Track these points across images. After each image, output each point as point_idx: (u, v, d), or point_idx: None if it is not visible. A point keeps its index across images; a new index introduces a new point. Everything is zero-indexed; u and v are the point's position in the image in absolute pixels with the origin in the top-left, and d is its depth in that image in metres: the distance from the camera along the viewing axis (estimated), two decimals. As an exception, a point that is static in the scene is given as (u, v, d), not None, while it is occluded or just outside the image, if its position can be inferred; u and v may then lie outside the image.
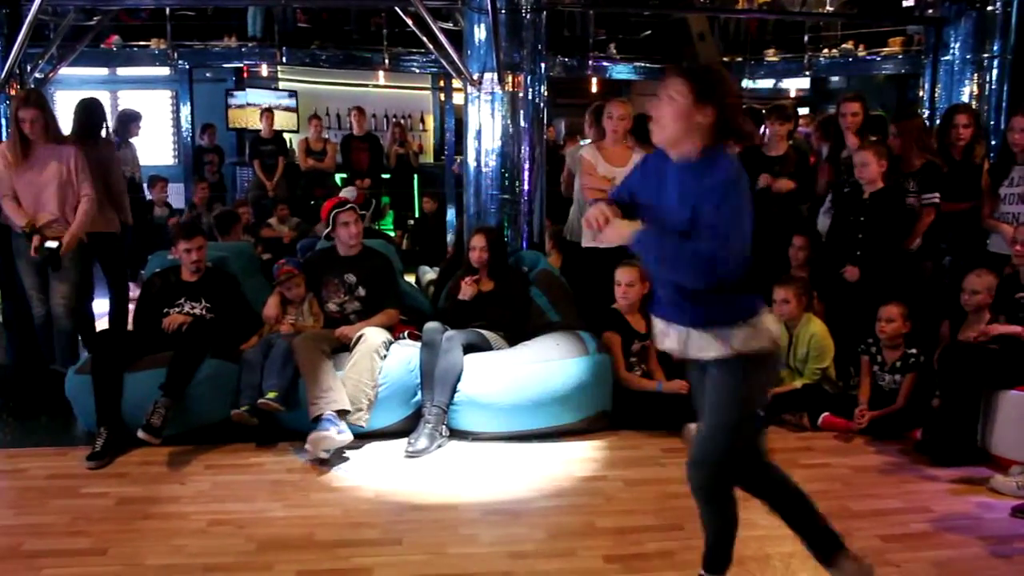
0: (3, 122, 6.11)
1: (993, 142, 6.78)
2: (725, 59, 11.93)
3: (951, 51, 7.29)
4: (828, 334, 5.18)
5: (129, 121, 9.02)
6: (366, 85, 12.91)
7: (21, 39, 5.83)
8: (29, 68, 6.45)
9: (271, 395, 4.52)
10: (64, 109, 12.29)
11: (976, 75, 7.15)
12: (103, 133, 6.28)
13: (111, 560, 3.49)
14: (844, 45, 10.78)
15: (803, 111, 11.85)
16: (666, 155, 2.82)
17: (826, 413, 4.97)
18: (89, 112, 6.10)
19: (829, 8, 8.46)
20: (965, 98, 7.12)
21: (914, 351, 4.97)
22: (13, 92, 6.09)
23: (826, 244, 5.68)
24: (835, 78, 13.01)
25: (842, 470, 4.44)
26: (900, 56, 10.09)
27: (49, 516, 3.88)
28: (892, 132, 5.54)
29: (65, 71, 7.63)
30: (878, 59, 10.42)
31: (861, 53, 10.55)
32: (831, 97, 12.99)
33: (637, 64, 12.18)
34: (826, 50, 11.03)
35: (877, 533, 3.70)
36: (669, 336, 2.89)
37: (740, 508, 3.91)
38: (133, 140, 9.07)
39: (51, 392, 5.08)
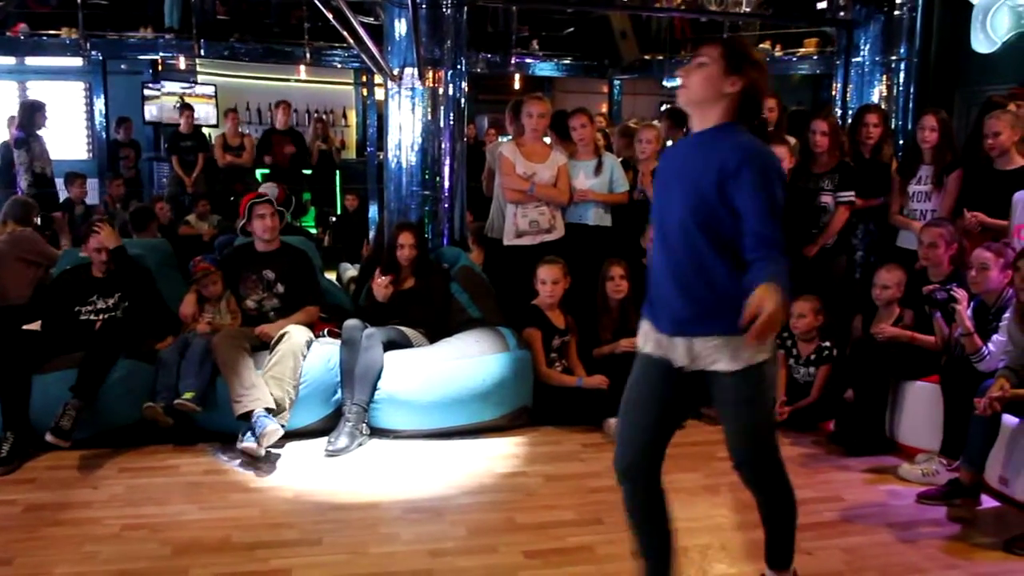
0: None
1: (901, 141, 7.00)
2: (646, 57, 12.09)
3: (861, 53, 7.49)
4: (745, 328, 5.28)
5: (35, 111, 8.63)
6: (287, 80, 12.72)
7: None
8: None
9: (188, 395, 4.43)
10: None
11: (885, 76, 7.36)
12: None
13: (17, 570, 3.37)
14: (762, 45, 10.99)
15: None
16: (672, 154, 2.91)
17: (742, 406, 5.07)
18: None
19: (746, 8, 8.61)
20: (875, 99, 7.32)
21: (828, 344, 5.10)
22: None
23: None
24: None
25: (758, 462, 4.53)
26: (815, 57, 10.34)
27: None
28: (820, 129, 5.64)
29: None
30: (794, 59, 10.66)
31: (778, 53, 10.78)
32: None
33: (559, 61, 12.25)
34: (744, 50, 11.24)
35: (792, 522, 3.78)
36: (676, 349, 2.77)
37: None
38: (41, 133, 8.76)
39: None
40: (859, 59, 7.51)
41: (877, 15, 7.35)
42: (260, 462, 4.36)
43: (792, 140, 5.94)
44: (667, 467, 4.34)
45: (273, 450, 4.47)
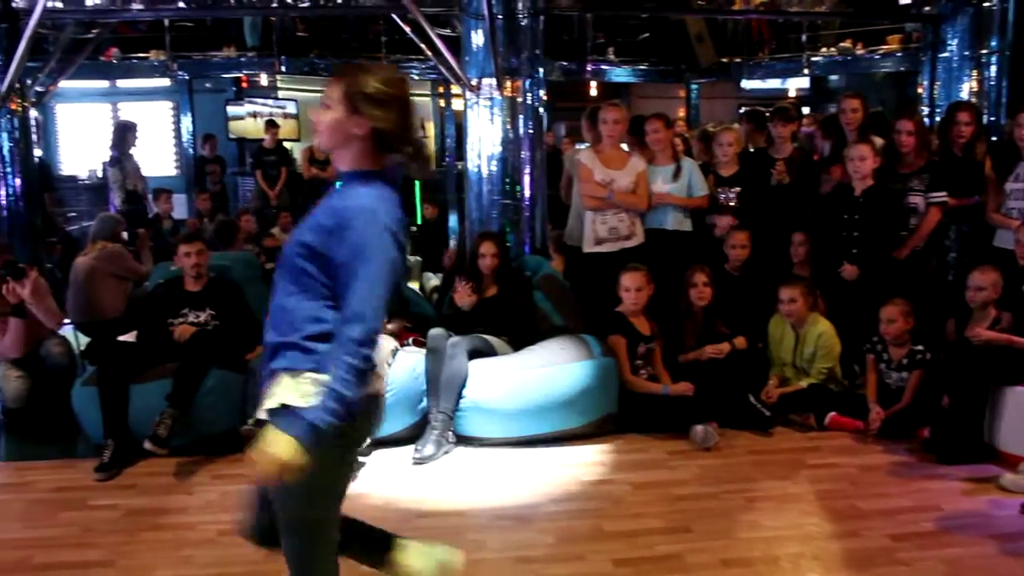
0: (4, 136, 6.11)
1: (994, 138, 6.77)
2: (723, 60, 11.95)
3: (949, 48, 7.28)
4: (835, 333, 5.18)
5: (126, 131, 9.00)
6: (366, 92, 12.89)
7: (21, 53, 5.85)
8: (29, 82, 6.46)
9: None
10: (64, 123, 12.40)
11: (975, 71, 7.13)
12: None
13: (120, 572, 3.49)
14: (842, 44, 10.77)
15: (804, 111, 11.84)
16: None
17: (832, 412, 4.97)
18: None
19: (826, 7, 8.44)
20: (964, 95, 7.11)
21: (920, 348, 4.96)
22: (14, 106, 6.11)
23: (821, 243, 5.67)
24: (834, 77, 13.02)
25: (850, 469, 4.43)
26: (898, 54, 10.08)
27: (58, 529, 3.88)
28: (905, 129, 5.50)
29: (65, 84, 7.63)
30: (876, 57, 10.41)
31: (859, 51, 10.54)
32: (831, 96, 13.00)
33: (635, 67, 12.19)
34: (824, 49, 11.04)
35: (887, 532, 3.69)
36: None
37: (744, 511, 3.94)
38: (132, 152, 9.08)
39: (57, 405, 5.08)
40: (947, 54, 7.31)
41: (965, 8, 7.14)
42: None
43: (878, 140, 5.80)
44: (756, 475, 4.33)
45: (360, 458, 4.52)
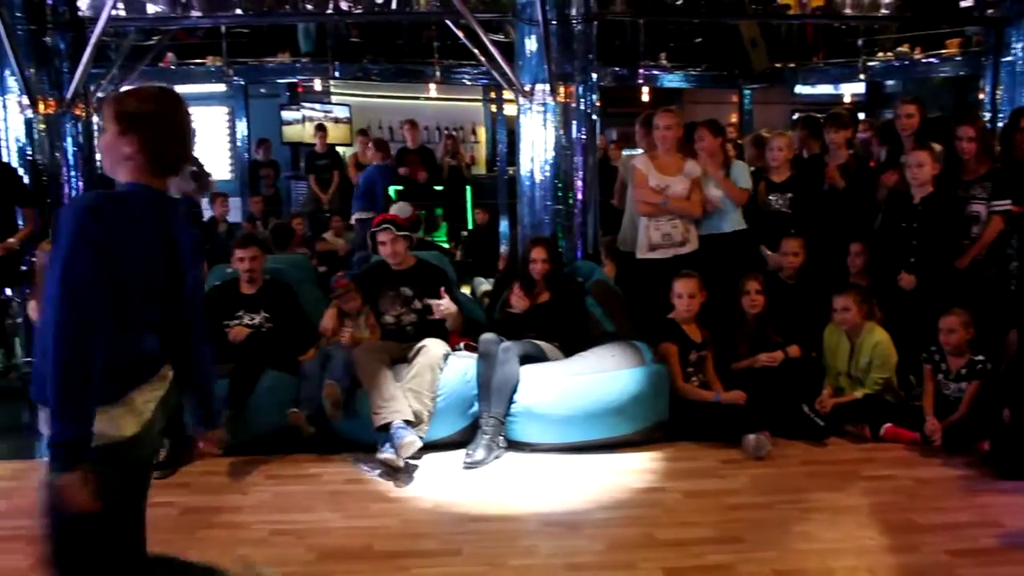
0: (69, 141, 6.26)
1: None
2: (776, 66, 11.83)
3: (1013, 51, 7.13)
4: (891, 343, 5.09)
5: None
6: (418, 98, 13.01)
7: (86, 60, 6.00)
8: (93, 88, 6.61)
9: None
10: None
11: (1040, 76, 6.99)
12: None
13: (176, 569, 3.54)
14: (900, 48, 10.60)
15: (859, 116, 11.67)
16: None
17: (888, 423, 4.88)
18: None
19: (884, 11, 8.29)
20: (1029, 100, 6.96)
21: (981, 358, 4.85)
22: (78, 112, 6.26)
23: (879, 251, 5.58)
24: (890, 82, 12.82)
25: (907, 482, 4.35)
26: (958, 58, 9.89)
27: (116, 526, 3.95)
28: (966, 135, 5.40)
29: (125, 90, 7.81)
30: (935, 61, 10.23)
31: (917, 56, 10.36)
32: (887, 102, 12.80)
33: (688, 72, 12.11)
34: (881, 53, 10.87)
35: (945, 548, 3.61)
36: None
37: (797, 522, 3.89)
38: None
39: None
40: (1010, 58, 7.15)
41: (1031, 10, 7.00)
42: (399, 473, 4.44)
43: (937, 147, 5.69)
44: (809, 485, 4.27)
45: (411, 461, 4.54)
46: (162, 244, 2.41)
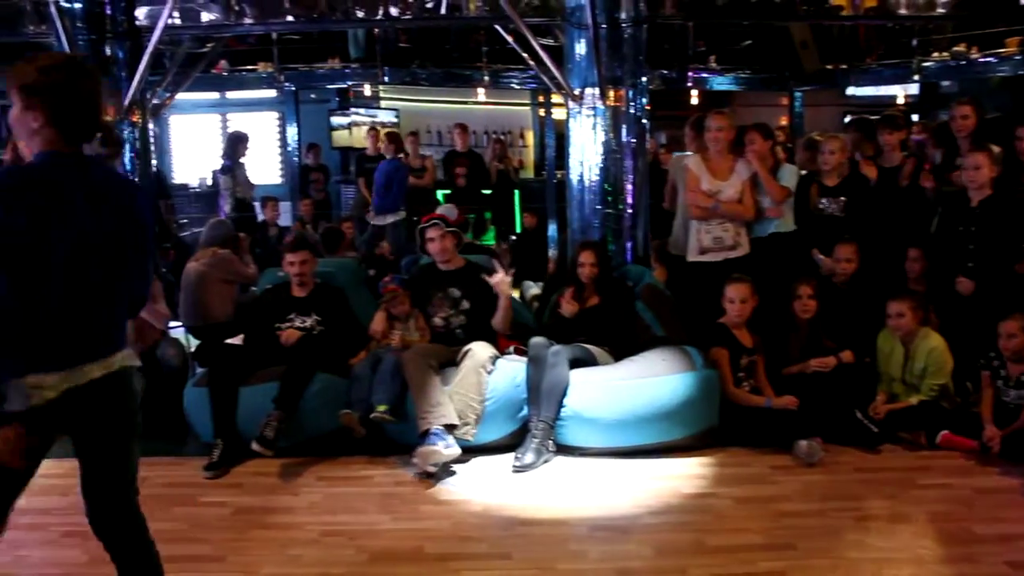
0: (127, 147, 6.39)
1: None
2: (828, 67, 11.67)
3: (1073, 51, 6.96)
4: (947, 348, 5.00)
5: (238, 142, 9.37)
6: (466, 102, 13.06)
7: (143, 68, 6.13)
8: (149, 95, 6.75)
9: (382, 408, 4.60)
10: (176, 133, 12.91)
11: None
12: None
13: (229, 567, 3.61)
14: (956, 48, 10.39)
15: (913, 118, 11.47)
16: None
17: (945, 431, 4.78)
18: None
19: (940, 10, 8.12)
20: (1091, 100, 6.79)
21: (1041, 364, 4.75)
22: (135, 119, 6.39)
23: (935, 255, 5.48)
24: (946, 82, 12.57)
25: (964, 491, 4.25)
26: (1017, 57, 9.66)
27: (170, 523, 4.01)
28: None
29: (178, 96, 7.95)
30: (993, 61, 10.00)
31: (974, 55, 10.15)
32: (942, 103, 12.55)
33: (737, 75, 12.00)
34: (936, 53, 10.67)
35: (1005, 559, 3.53)
36: None
37: (850, 530, 3.83)
38: (243, 161, 9.40)
39: (170, 405, 5.27)
40: (1072, 58, 6.98)
41: (1094, 7, 6.82)
42: (442, 476, 4.47)
43: (996, 149, 5.57)
44: (863, 493, 4.21)
45: (460, 465, 4.57)
46: (88, 212, 2.39)
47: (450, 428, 4.52)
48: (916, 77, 10.99)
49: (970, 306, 5.18)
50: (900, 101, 13.61)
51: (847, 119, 11.68)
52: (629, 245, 6.11)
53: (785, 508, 4.08)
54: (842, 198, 5.78)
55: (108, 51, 6.32)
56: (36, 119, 2.37)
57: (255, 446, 4.54)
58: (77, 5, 6.19)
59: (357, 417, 4.63)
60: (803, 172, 6.08)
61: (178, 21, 6.75)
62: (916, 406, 4.92)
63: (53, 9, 5.96)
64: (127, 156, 6.38)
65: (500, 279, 5.06)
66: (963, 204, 5.27)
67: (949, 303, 5.30)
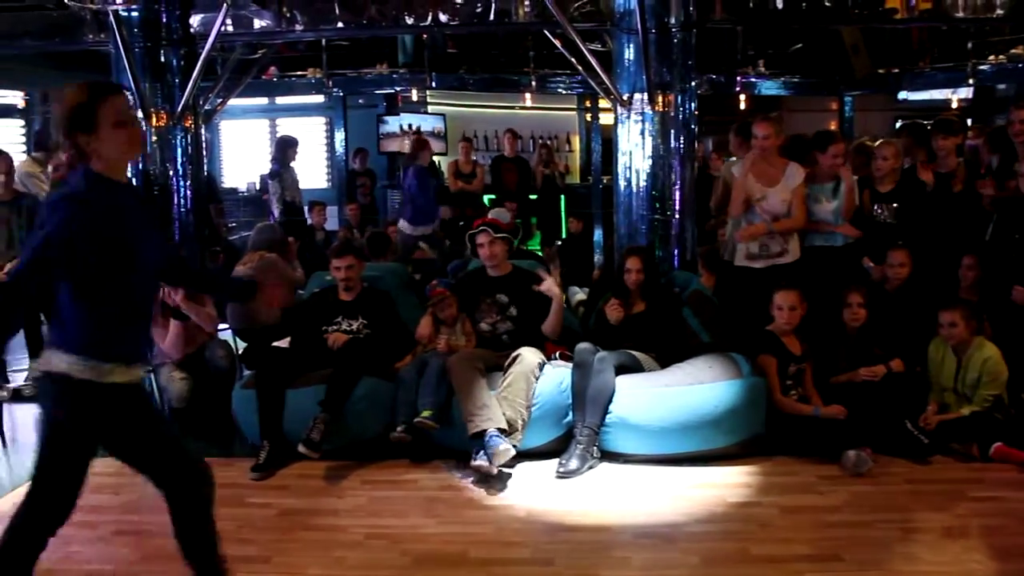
0: (179, 152, 6.51)
1: None
2: (879, 71, 11.50)
3: None
4: (1002, 358, 4.90)
5: (287, 147, 9.51)
6: (513, 107, 13.09)
7: (196, 75, 6.26)
8: (201, 101, 6.86)
9: (426, 413, 4.62)
10: (227, 138, 13.12)
11: None
12: None
13: (275, 568, 3.65)
14: (1013, 50, 10.16)
15: (967, 122, 11.24)
16: None
17: (998, 443, 4.68)
18: None
19: (999, 12, 7.94)
20: None
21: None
22: (188, 124, 6.50)
23: (990, 263, 5.37)
24: (1002, 86, 12.31)
25: (1018, 505, 4.16)
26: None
27: (218, 523, 4.03)
28: None
29: (230, 102, 8.08)
30: (1052, 65, 9.79)
31: (1033, 59, 9.94)
32: (998, 107, 12.29)
33: (787, 79, 11.88)
34: (992, 57, 10.45)
35: (1062, 574, 3.46)
36: None
37: (899, 542, 3.75)
38: (292, 165, 9.52)
39: (218, 406, 5.34)
40: None
41: None
42: (492, 480, 4.47)
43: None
44: (913, 505, 4.13)
45: (505, 469, 4.57)
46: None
47: (500, 432, 4.52)
48: (971, 81, 10.77)
49: (1025, 316, 5.08)
50: (954, 106, 13.36)
51: (898, 124, 11.50)
52: (676, 251, 6.07)
53: (832, 519, 4.03)
54: (895, 204, 5.69)
55: (163, 57, 6.45)
56: (88, 144, 2.67)
57: (301, 448, 4.59)
58: (134, 13, 6.32)
59: (402, 431, 4.64)
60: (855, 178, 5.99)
61: (231, 28, 6.85)
62: (968, 417, 4.83)
63: (111, 17, 6.09)
64: (179, 161, 6.50)
65: (549, 285, 5.06)
66: (1020, 211, 5.17)
67: (1004, 312, 5.19)
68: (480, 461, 4.45)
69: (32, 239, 2.58)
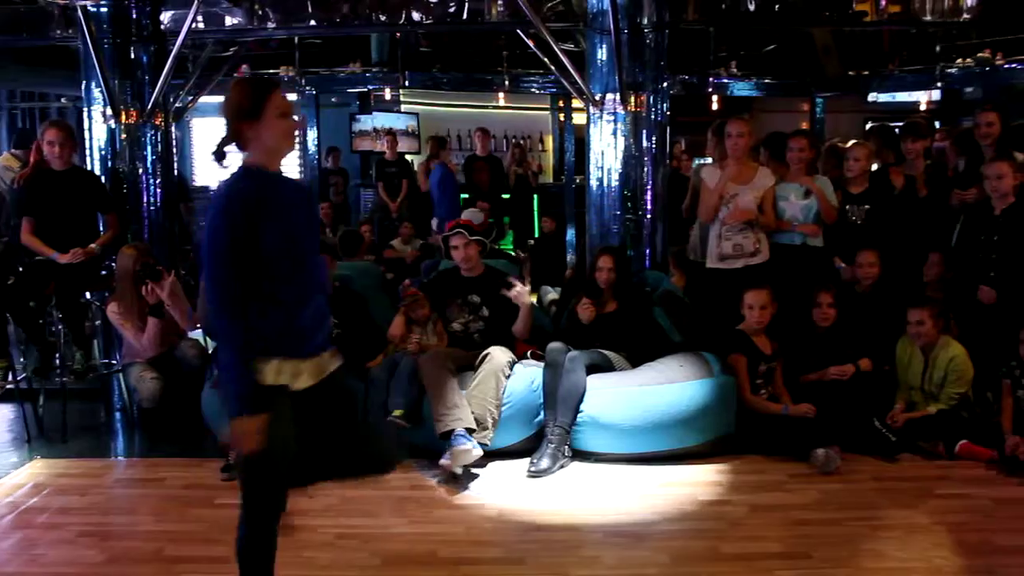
0: (148, 150, 6.45)
1: None
2: (850, 73, 11.61)
3: (1099, 59, 6.90)
4: (968, 357, 4.96)
5: None
6: (486, 107, 13.08)
7: (166, 72, 6.19)
8: (172, 99, 6.80)
9: (397, 413, 4.61)
10: (197, 136, 13.00)
11: None
12: None
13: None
14: (980, 54, 10.30)
15: (935, 125, 11.37)
16: None
17: (964, 440, 4.74)
18: None
19: (966, 16, 8.04)
20: (1117, 108, 6.72)
21: (1062, 374, 4.71)
22: (158, 121, 6.44)
23: (957, 264, 5.44)
24: (969, 89, 12.46)
25: (983, 501, 4.23)
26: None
27: (187, 524, 4.05)
28: None
29: (201, 100, 8.01)
30: (1018, 67, 9.91)
31: (999, 62, 10.06)
32: (965, 109, 12.45)
33: (758, 80, 11.96)
34: (960, 60, 10.58)
35: (1024, 570, 3.51)
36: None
37: (867, 539, 3.81)
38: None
39: (188, 406, 5.30)
40: (1096, 66, 6.92)
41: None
42: (463, 480, 4.47)
43: (1020, 156, 5.53)
44: (881, 502, 4.18)
45: (476, 469, 4.57)
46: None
47: (468, 431, 4.52)
48: (939, 84, 10.90)
49: (992, 315, 5.13)
50: (922, 108, 13.51)
51: (868, 126, 11.60)
52: (648, 251, 6.09)
53: (801, 516, 4.06)
54: (866, 206, 5.74)
55: (133, 54, 6.39)
56: (252, 128, 2.79)
57: (271, 448, 4.55)
58: (103, 9, 6.26)
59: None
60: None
61: (202, 25, 6.79)
62: (935, 415, 4.89)
63: (80, 13, 6.02)
64: (148, 159, 6.44)
65: (518, 293, 5.04)
66: (986, 212, 5.23)
67: (970, 312, 5.26)
68: (445, 460, 4.45)
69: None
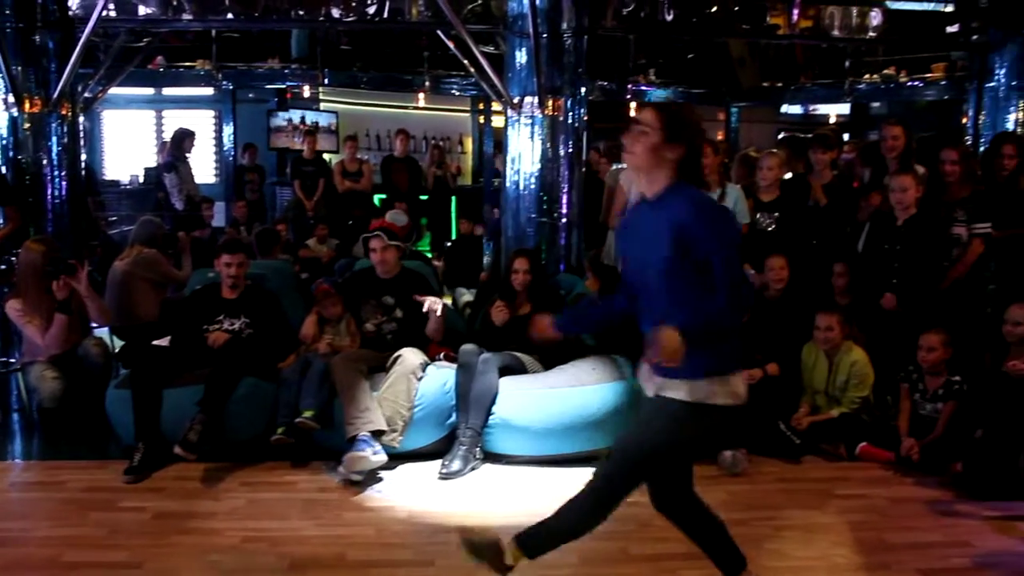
0: (53, 141, 6.23)
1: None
2: (764, 84, 11.90)
3: (996, 78, 7.22)
4: (869, 362, 5.12)
5: (184, 138, 9.22)
6: (406, 107, 13.01)
7: (74, 61, 5.99)
8: (80, 88, 6.59)
9: (307, 414, 4.55)
10: (109, 129, 12.63)
11: (1022, 102, 7.06)
12: None
13: (147, 574, 3.53)
14: (886, 71, 10.67)
15: (844, 137, 11.73)
16: (636, 209, 3.00)
17: (864, 443, 4.90)
18: None
19: (871, 33, 8.35)
20: (1010, 125, 7.04)
21: (957, 378, 4.88)
22: (64, 112, 6.23)
23: (862, 272, 5.61)
24: (876, 104, 12.90)
25: (879, 501, 4.38)
26: (943, 82, 9.98)
27: (87, 528, 3.93)
28: (949, 158, 5.45)
29: (111, 91, 7.78)
30: (920, 85, 10.31)
31: (903, 79, 10.45)
32: (872, 123, 12.88)
33: (676, 88, 12.16)
34: (867, 75, 10.95)
35: (916, 567, 3.64)
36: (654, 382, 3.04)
37: (770, 539, 3.89)
38: (188, 157, 9.24)
39: (91, 406, 5.14)
40: (993, 84, 7.23)
41: (1015, 38, 7.06)
42: (372, 482, 4.45)
43: (921, 169, 5.74)
44: (784, 503, 4.28)
45: (385, 472, 4.54)
46: None
47: (378, 434, 4.50)
48: (848, 98, 11.27)
49: (893, 322, 5.31)
50: (832, 120, 13.93)
51: (780, 136, 11.91)
52: (563, 255, 6.14)
53: (709, 517, 4.13)
54: (776, 213, 5.88)
55: (38, 40, 6.16)
56: (674, 151, 2.77)
57: (177, 450, 4.46)
58: (6, -9, 6.03)
59: (283, 433, 4.56)
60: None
61: (113, 13, 6.59)
62: (837, 418, 5.03)
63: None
64: (53, 150, 6.22)
65: (430, 304, 5.00)
66: (889, 223, 5.41)
67: (873, 319, 5.42)
68: (341, 467, 4.42)
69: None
